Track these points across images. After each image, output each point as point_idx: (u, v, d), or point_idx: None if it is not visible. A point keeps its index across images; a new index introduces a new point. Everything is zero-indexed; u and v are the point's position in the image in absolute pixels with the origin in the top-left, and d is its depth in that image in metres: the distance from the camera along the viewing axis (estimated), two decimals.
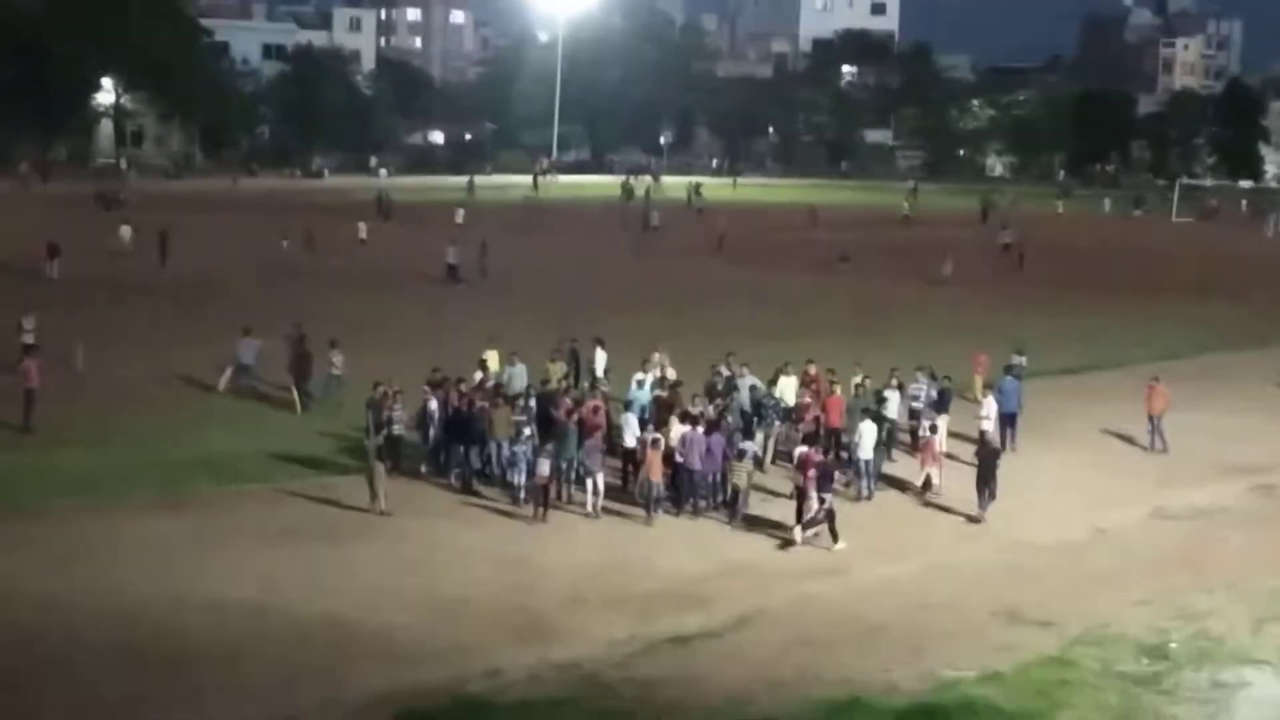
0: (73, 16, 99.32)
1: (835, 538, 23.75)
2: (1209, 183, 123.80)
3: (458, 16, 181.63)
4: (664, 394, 28.82)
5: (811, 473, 24.33)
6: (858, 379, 30.27)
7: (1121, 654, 19.51)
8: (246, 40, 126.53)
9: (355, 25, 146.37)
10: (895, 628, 20.34)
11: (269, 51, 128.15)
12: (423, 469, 27.15)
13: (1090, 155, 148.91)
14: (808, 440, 26.12)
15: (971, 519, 25.64)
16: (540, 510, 24.60)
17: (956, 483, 26.97)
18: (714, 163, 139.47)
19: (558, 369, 31.47)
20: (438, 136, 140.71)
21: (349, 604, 20.40)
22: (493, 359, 31.65)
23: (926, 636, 20.02)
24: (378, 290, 50.98)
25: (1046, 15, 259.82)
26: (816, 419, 28.04)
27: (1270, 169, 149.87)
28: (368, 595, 20.82)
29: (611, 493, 25.71)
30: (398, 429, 26.85)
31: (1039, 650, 19.56)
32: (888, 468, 28.33)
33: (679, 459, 25.33)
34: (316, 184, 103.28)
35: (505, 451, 26.07)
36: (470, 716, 17.23)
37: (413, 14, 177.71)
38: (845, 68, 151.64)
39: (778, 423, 28.88)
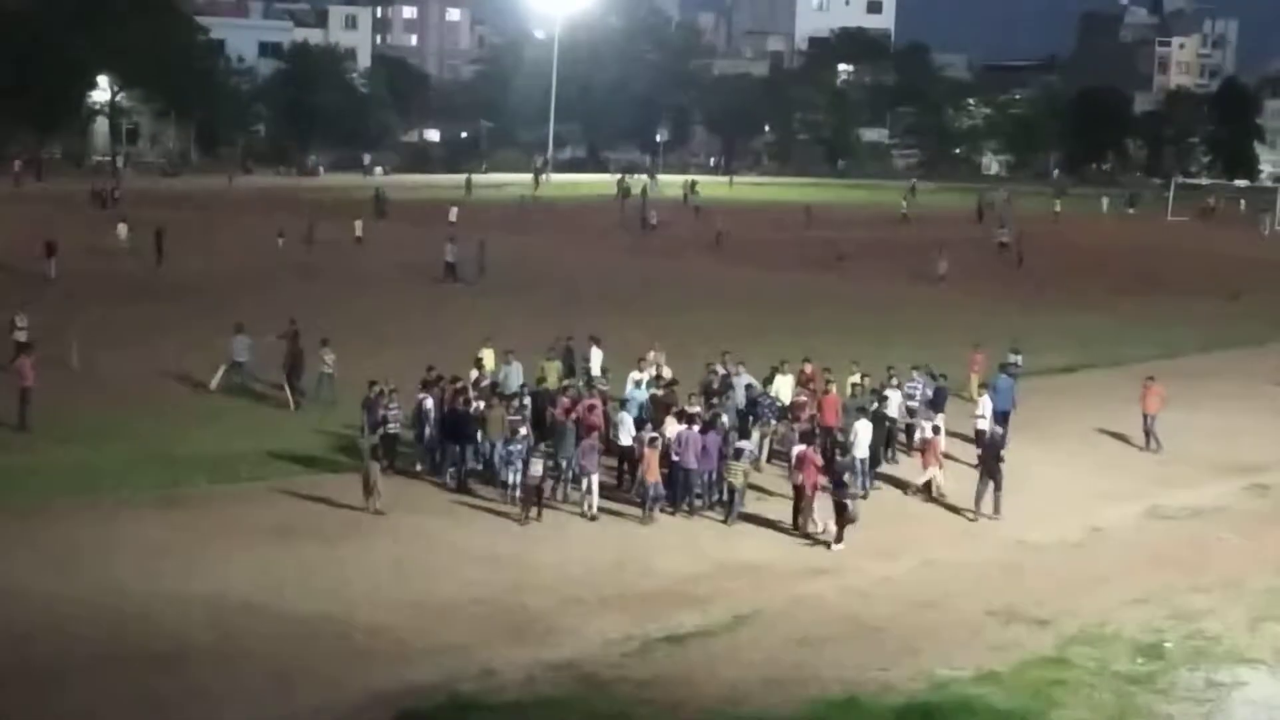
0: (67, 14, 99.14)
1: (840, 538, 23.79)
2: (1205, 181, 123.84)
3: (454, 14, 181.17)
4: (660, 393, 28.81)
5: (817, 478, 24.38)
6: (855, 378, 30.28)
7: (1117, 653, 19.52)
8: (242, 38, 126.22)
9: (351, 23, 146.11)
10: (891, 627, 20.35)
11: (265, 49, 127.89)
12: (418, 468, 27.15)
13: (1086, 154, 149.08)
14: (806, 439, 26.13)
15: (983, 517, 25.62)
16: (535, 511, 24.54)
17: (955, 482, 27.00)
18: (711, 161, 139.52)
19: (553, 368, 31.47)
20: (433, 134, 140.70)
21: (344, 603, 20.39)
22: (488, 358, 31.63)
23: (923, 636, 20.02)
24: (374, 288, 50.98)
25: (1042, 14, 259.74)
26: (812, 418, 28.05)
27: (1265, 168, 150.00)
28: (363, 594, 20.80)
29: (607, 492, 25.68)
30: (393, 428, 26.85)
31: (1035, 650, 19.57)
32: (889, 468, 28.31)
33: (675, 458, 25.32)
34: (312, 182, 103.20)
35: (500, 451, 26.05)
36: (466, 716, 17.21)
37: (408, 11, 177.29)
38: (841, 66, 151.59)
39: (774, 421, 28.89)
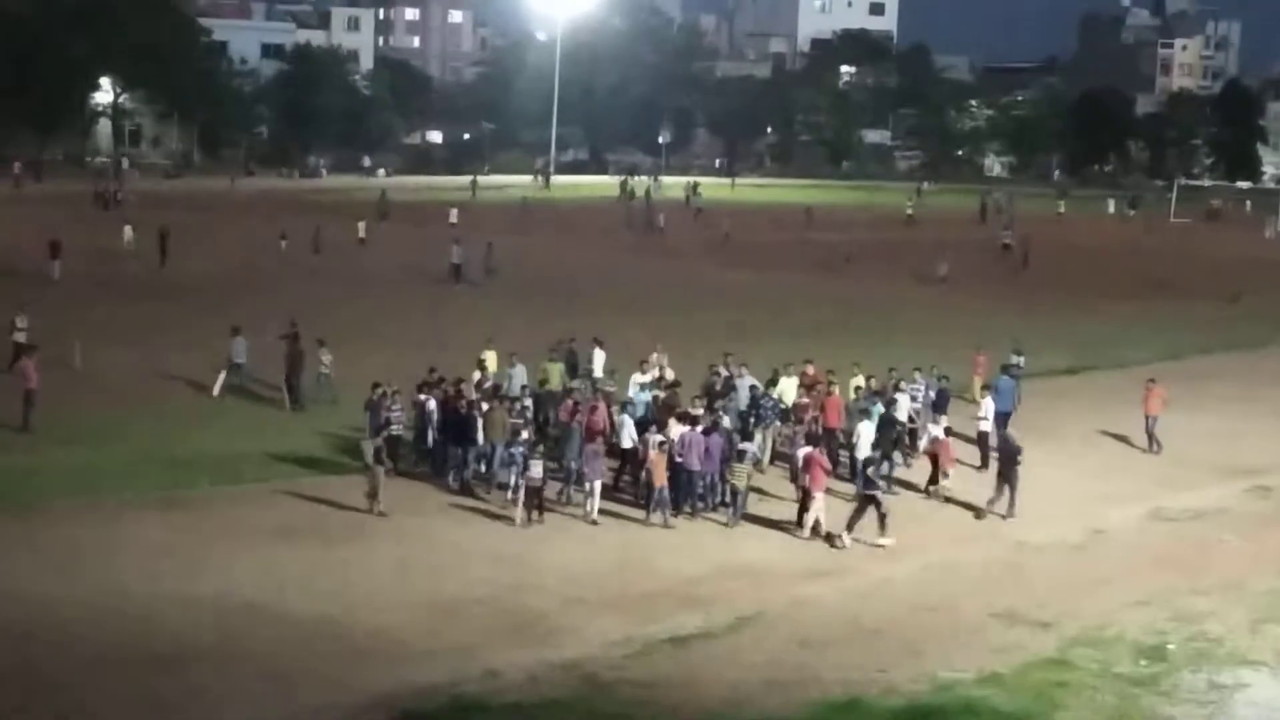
0: (68, 14, 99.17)
1: (847, 533, 23.84)
2: (1207, 183, 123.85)
3: (456, 16, 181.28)
4: (662, 394, 28.79)
5: (824, 480, 24.40)
6: (859, 380, 30.25)
7: (1120, 655, 19.50)
8: (245, 39, 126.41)
9: (353, 25, 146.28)
10: (893, 629, 20.33)
11: (267, 51, 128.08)
12: (419, 468, 27.14)
13: (1088, 156, 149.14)
14: (811, 441, 26.10)
15: (995, 515, 25.62)
16: (535, 513, 24.48)
17: (956, 483, 27.01)
18: (716, 163, 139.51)
19: (556, 369, 31.46)
20: (436, 136, 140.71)
21: (347, 604, 20.38)
22: (491, 359, 31.62)
23: (925, 637, 20.01)
24: (378, 290, 51.01)
25: (1044, 16, 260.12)
26: (815, 419, 28.03)
27: (1268, 170, 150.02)
28: (365, 596, 20.80)
29: (609, 493, 25.67)
30: (396, 429, 26.85)
31: (1037, 651, 19.55)
32: (902, 472, 27.99)
33: (678, 459, 25.30)
34: (314, 184, 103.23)
35: (501, 453, 26.04)
36: (467, 717, 17.20)
37: (411, 13, 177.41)
38: (843, 68, 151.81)
39: (777, 423, 28.87)
